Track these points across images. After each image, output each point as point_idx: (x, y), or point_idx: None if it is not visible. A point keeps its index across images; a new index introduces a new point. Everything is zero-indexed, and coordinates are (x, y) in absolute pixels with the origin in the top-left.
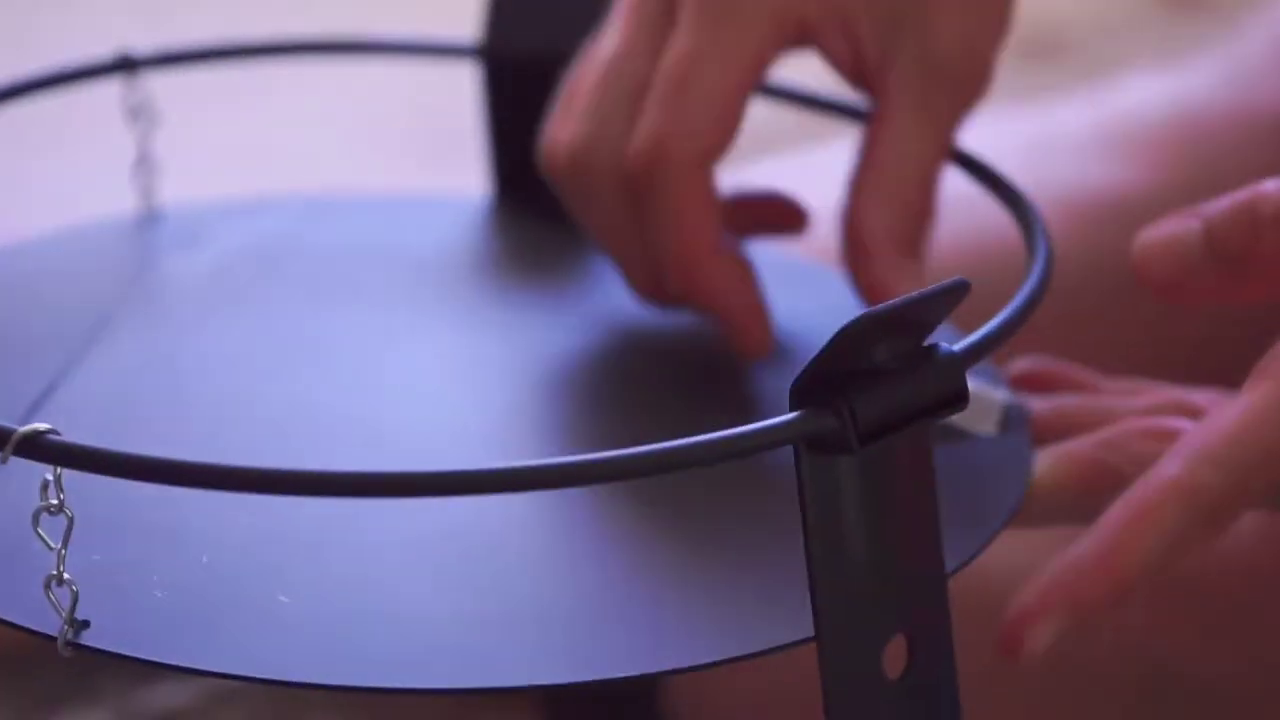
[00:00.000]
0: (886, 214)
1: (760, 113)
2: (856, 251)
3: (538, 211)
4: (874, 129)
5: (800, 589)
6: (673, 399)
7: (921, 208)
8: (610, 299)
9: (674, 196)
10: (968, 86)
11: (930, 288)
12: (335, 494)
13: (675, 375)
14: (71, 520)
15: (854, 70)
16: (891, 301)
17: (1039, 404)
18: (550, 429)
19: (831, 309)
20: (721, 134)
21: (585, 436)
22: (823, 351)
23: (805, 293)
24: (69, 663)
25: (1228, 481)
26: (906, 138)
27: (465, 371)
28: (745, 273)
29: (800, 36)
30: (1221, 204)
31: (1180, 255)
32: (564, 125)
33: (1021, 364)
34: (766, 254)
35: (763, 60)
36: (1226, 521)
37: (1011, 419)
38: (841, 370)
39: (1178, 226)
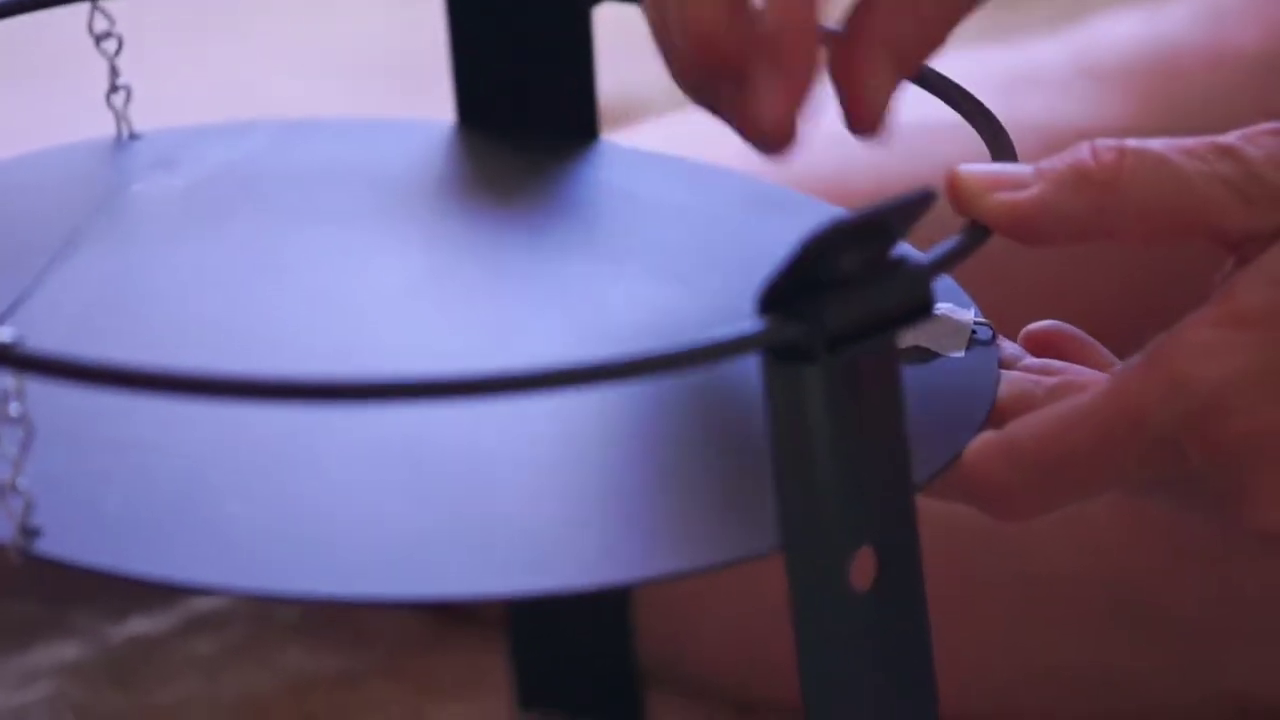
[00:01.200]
0: (896, 22)
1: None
2: (855, 52)
3: (503, 137)
4: None
5: (768, 501)
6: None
7: (928, 34)
8: (573, 221)
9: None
10: None
11: (897, 197)
12: (292, 399)
13: (645, 294)
14: (30, 429)
15: None
16: (858, 211)
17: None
18: (517, 344)
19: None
20: None
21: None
22: (789, 259)
23: (783, 221)
24: (41, 594)
25: (1021, 479)
26: None
27: (433, 289)
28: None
29: None
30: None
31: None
32: None
33: (1038, 325)
34: (742, 184)
35: None
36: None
37: (978, 339)
38: (808, 279)
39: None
